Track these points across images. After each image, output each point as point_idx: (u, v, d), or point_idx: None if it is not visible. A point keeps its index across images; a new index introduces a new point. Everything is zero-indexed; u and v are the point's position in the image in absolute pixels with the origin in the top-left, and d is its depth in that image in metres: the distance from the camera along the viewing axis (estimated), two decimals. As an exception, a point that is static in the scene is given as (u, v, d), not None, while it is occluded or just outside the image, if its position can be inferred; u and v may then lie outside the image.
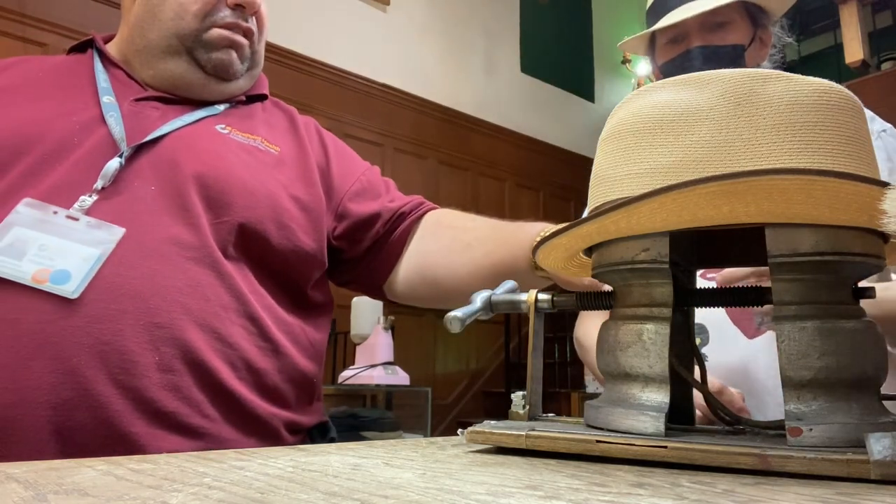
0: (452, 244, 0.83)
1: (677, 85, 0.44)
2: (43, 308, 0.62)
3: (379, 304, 3.38)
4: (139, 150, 0.72)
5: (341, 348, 4.33)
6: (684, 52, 1.00)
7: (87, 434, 0.62)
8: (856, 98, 0.43)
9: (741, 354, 0.82)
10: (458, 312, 0.51)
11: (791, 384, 0.39)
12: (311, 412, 0.79)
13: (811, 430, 0.37)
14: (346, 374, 3.20)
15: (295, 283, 0.80)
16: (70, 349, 0.62)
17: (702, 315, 0.86)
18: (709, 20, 0.99)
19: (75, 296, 0.63)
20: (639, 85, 5.73)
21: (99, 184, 0.68)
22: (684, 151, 0.41)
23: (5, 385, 0.60)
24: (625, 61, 5.72)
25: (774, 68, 0.98)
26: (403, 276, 0.87)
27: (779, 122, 0.40)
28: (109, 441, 0.63)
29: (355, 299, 3.41)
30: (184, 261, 0.68)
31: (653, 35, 1.08)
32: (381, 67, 5.09)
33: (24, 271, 0.63)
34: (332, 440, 0.83)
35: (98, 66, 0.81)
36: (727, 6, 0.98)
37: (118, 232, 0.66)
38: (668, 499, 0.29)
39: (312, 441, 0.79)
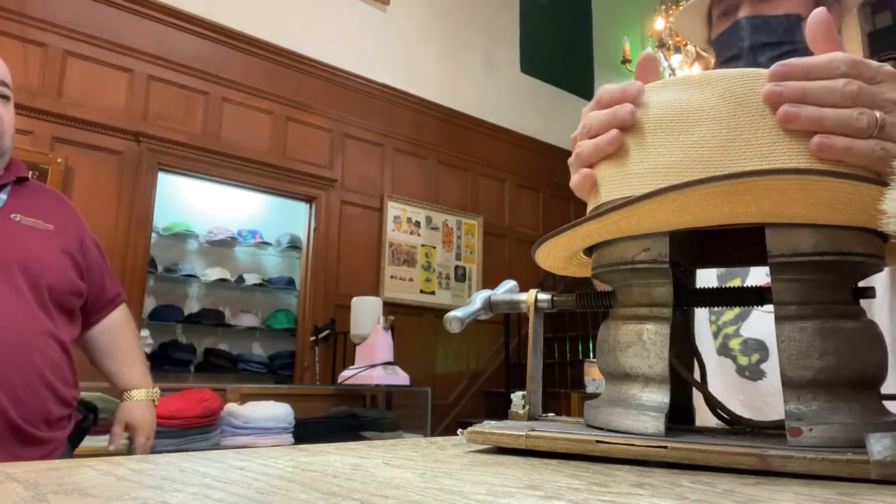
0: (108, 347, 1.45)
1: (678, 85, 0.44)
2: None
3: (379, 303, 3.38)
4: None
5: (341, 348, 4.33)
6: (732, 25, 0.90)
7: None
8: (856, 98, 0.43)
9: None
10: (458, 312, 0.51)
11: (791, 384, 0.39)
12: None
13: (811, 430, 0.37)
14: (345, 374, 3.20)
15: (71, 312, 1.32)
16: None
17: (760, 331, 0.85)
18: None
19: None
20: (639, 85, 5.70)
21: None
22: (684, 151, 0.41)
23: None
24: (625, 61, 5.71)
25: None
26: (87, 338, 1.44)
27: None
28: (8, 433, 1.15)
29: (355, 299, 3.41)
30: (22, 315, 1.19)
31: (710, 13, 0.97)
32: (381, 67, 5.09)
33: None
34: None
35: None
36: None
37: None
38: (668, 499, 0.29)
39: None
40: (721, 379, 0.84)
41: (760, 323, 0.83)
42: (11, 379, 1.15)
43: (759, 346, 0.84)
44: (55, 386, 1.23)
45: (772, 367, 0.83)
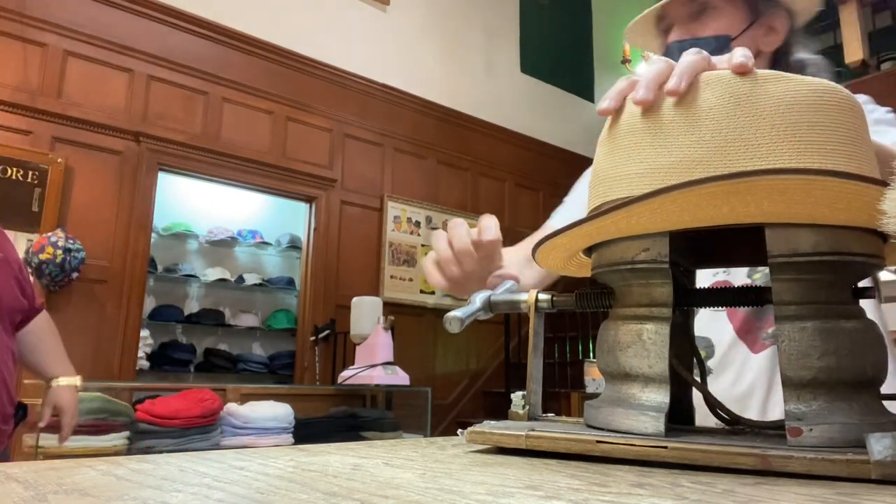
0: (33, 345, 1.68)
1: (677, 85, 0.44)
2: None
3: (379, 303, 3.38)
4: None
5: (341, 348, 4.33)
6: (665, 49, 0.89)
7: None
8: (855, 98, 0.43)
9: (745, 368, 0.81)
10: (457, 312, 0.51)
11: (791, 384, 0.39)
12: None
13: (811, 430, 0.37)
14: (345, 374, 3.20)
15: (15, 328, 1.60)
16: None
17: (707, 328, 0.85)
18: (688, 6, 0.87)
19: None
20: (639, 85, 5.70)
21: None
22: (684, 151, 0.41)
23: None
24: (625, 61, 5.72)
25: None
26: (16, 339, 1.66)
27: (779, 122, 0.40)
28: None
29: (355, 299, 3.40)
30: None
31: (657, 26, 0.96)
32: (381, 67, 5.09)
33: None
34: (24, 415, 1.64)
35: None
36: None
37: None
38: (668, 499, 0.29)
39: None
40: None
41: (708, 320, 0.83)
42: None
43: (706, 344, 0.84)
44: (11, 389, 1.53)
45: (715, 362, 0.82)
